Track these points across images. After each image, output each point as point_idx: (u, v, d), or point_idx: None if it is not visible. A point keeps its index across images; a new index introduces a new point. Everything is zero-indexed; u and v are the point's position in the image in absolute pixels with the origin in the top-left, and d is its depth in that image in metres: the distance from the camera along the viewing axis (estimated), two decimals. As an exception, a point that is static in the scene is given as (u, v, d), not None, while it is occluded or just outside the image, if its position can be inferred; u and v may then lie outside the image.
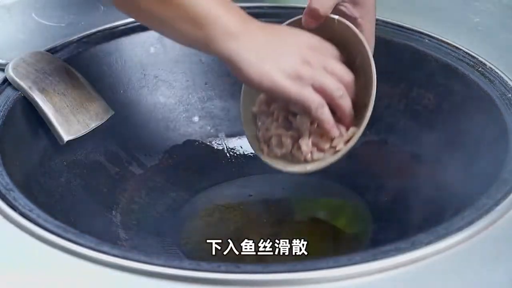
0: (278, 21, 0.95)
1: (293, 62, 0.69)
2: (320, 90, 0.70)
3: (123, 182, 0.87)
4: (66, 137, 0.78)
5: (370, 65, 0.72)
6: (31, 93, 0.78)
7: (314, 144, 0.73)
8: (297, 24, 0.76)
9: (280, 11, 0.98)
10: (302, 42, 0.72)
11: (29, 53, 0.83)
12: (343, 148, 0.73)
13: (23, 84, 0.79)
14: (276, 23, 0.96)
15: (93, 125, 0.82)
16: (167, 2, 0.68)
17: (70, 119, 0.80)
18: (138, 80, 0.93)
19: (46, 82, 0.80)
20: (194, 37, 0.69)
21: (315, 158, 0.74)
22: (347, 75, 0.72)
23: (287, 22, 0.78)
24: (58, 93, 0.80)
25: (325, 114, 0.71)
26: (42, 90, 0.79)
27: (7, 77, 0.80)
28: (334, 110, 0.72)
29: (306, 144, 0.73)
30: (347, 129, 0.73)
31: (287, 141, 0.75)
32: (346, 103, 0.72)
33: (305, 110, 0.71)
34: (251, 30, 0.70)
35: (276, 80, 0.68)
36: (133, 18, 0.75)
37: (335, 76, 0.71)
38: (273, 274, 0.56)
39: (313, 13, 0.74)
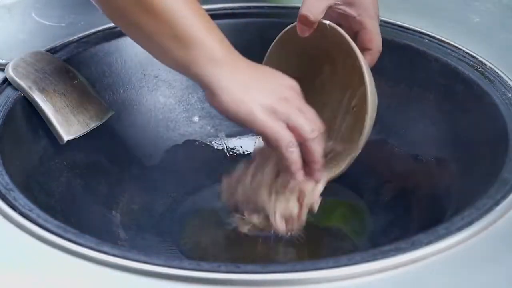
0: (278, 21, 0.96)
1: (272, 97, 0.69)
2: (293, 130, 0.69)
3: (123, 182, 0.87)
4: (66, 137, 0.78)
5: (362, 69, 0.72)
6: (31, 93, 0.78)
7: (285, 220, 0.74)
8: (293, 32, 0.76)
9: (280, 11, 0.98)
10: (283, 82, 0.71)
11: (29, 53, 0.83)
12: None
13: (23, 84, 0.79)
14: (276, 23, 0.97)
15: (93, 125, 0.82)
16: (155, 17, 0.68)
17: (70, 119, 0.80)
18: (138, 80, 0.93)
19: (46, 82, 0.80)
20: (177, 56, 0.69)
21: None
22: (320, 124, 0.71)
23: (285, 30, 0.78)
24: (58, 93, 0.80)
25: (294, 154, 0.69)
26: (42, 90, 0.79)
27: (7, 77, 0.80)
28: (304, 155, 0.71)
29: (279, 222, 0.73)
30: (315, 177, 0.72)
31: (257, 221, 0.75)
32: (317, 148, 0.71)
33: (276, 147, 0.69)
34: (235, 60, 0.70)
35: (254, 112, 0.68)
36: (121, 29, 0.75)
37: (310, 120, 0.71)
38: (273, 274, 0.56)
39: (303, 19, 0.74)
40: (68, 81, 0.82)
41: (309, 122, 0.70)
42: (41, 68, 0.81)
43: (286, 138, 0.68)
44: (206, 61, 0.68)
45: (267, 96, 0.69)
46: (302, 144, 0.70)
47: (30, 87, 0.79)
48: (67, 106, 0.80)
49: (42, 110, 0.78)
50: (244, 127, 0.72)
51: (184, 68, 0.70)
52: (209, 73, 0.68)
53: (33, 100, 0.78)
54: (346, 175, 0.90)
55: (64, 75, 0.82)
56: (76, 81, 0.83)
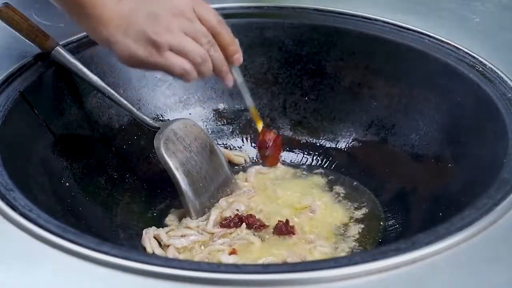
0: (278, 21, 0.96)
1: (149, 27, 0.70)
2: (182, 54, 0.71)
3: (123, 183, 0.87)
4: (194, 217, 0.82)
5: None
6: (177, 174, 0.81)
7: None
8: None
9: (280, 11, 0.98)
10: (166, 7, 0.72)
11: (180, 123, 0.84)
12: None
13: (171, 163, 0.81)
14: (276, 23, 0.97)
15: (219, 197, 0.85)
16: None
17: (203, 202, 0.83)
18: (138, 80, 0.93)
19: (191, 163, 0.83)
20: (81, 26, 0.75)
21: None
22: (213, 21, 0.73)
23: None
24: (200, 177, 0.83)
25: (191, 78, 0.72)
26: (187, 174, 0.81)
27: (155, 147, 0.81)
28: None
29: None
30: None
31: None
32: (207, 69, 0.73)
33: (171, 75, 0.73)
34: (119, 8, 0.72)
35: (134, 52, 0.71)
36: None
37: (201, 38, 0.72)
38: (273, 274, 0.56)
39: None
40: (208, 158, 0.85)
41: (195, 45, 0.71)
42: (189, 145, 0.83)
43: (176, 69, 0.72)
44: (97, 27, 0.73)
45: (142, 32, 0.70)
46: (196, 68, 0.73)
47: (177, 168, 0.81)
48: (205, 191, 0.83)
49: (182, 192, 0.81)
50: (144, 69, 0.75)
51: (93, 37, 0.76)
52: (102, 37, 0.73)
53: (177, 182, 0.81)
54: (345, 175, 0.91)
55: (206, 151, 0.85)
56: (213, 156, 0.86)
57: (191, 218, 0.82)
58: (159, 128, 0.83)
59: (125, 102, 0.84)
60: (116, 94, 0.84)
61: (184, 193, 0.81)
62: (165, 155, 0.80)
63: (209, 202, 0.84)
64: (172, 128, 0.83)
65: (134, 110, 0.84)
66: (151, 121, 0.84)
